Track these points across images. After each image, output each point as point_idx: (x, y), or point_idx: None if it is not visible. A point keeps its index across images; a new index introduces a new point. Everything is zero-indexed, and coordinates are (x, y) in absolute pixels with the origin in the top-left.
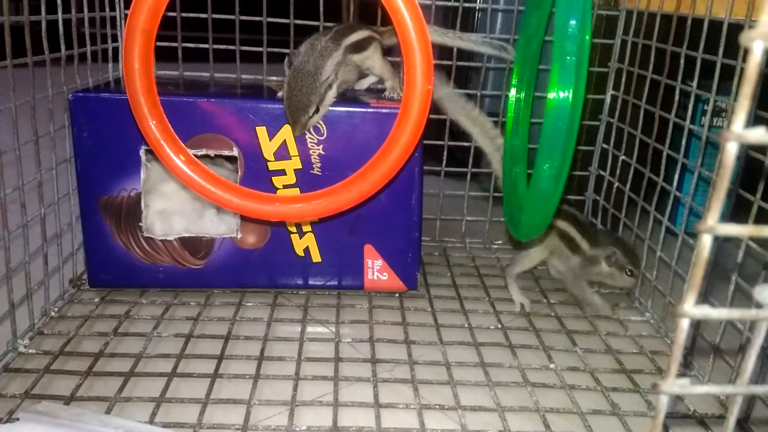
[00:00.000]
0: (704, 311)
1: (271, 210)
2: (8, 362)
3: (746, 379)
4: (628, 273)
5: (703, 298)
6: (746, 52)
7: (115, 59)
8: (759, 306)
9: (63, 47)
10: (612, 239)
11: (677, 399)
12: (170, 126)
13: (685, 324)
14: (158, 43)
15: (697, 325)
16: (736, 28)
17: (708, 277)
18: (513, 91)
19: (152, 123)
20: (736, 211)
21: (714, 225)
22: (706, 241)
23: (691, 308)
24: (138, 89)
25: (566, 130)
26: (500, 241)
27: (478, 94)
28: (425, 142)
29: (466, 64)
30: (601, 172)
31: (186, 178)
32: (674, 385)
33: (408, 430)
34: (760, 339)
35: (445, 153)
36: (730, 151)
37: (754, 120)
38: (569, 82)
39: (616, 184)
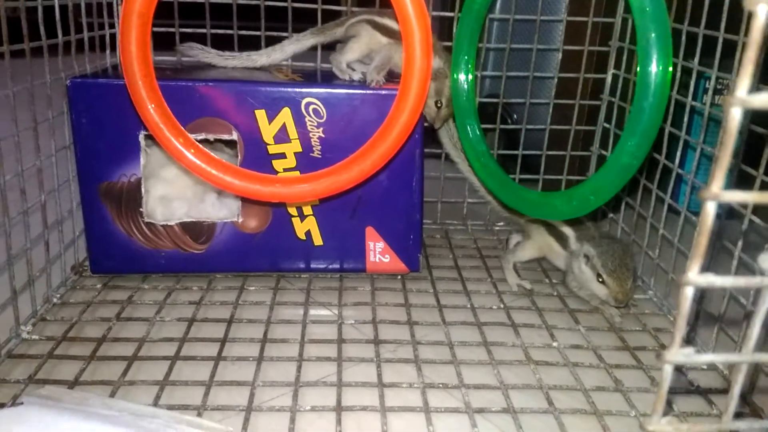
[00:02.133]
0: (709, 279)
1: (271, 191)
2: (11, 348)
3: (751, 347)
4: (599, 279)
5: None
6: (749, 21)
7: (113, 46)
8: (763, 274)
9: (60, 34)
10: (599, 239)
11: (680, 374)
12: (169, 110)
13: (689, 292)
14: (155, 29)
15: (700, 300)
16: (736, 4)
17: (711, 250)
18: (461, 75)
19: (151, 107)
20: (738, 187)
21: (718, 192)
22: (710, 209)
23: (696, 276)
24: (136, 73)
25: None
26: (501, 223)
27: (479, 75)
28: (426, 124)
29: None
30: (603, 152)
31: (186, 161)
32: (678, 354)
33: (412, 408)
34: (764, 307)
35: None
36: (734, 116)
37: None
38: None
39: None
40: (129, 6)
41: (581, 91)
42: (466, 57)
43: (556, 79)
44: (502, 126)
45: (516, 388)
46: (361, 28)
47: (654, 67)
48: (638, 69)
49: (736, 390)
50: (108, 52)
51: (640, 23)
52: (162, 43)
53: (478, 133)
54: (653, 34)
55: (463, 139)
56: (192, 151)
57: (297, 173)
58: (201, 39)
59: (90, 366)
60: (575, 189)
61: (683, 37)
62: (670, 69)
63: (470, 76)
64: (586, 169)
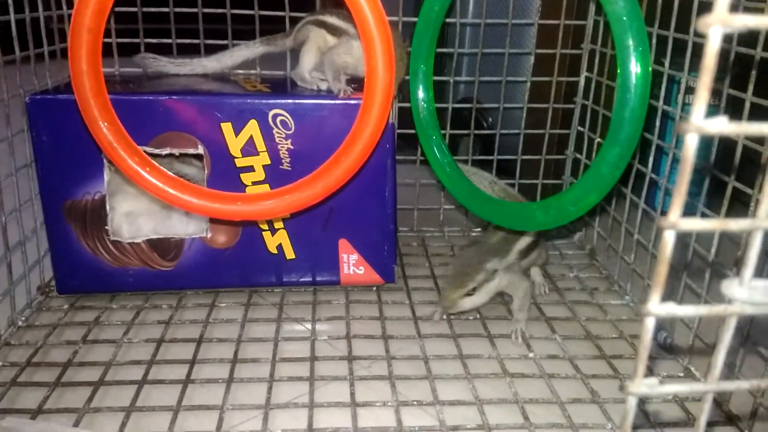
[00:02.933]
0: (670, 309)
1: (233, 209)
2: None
3: (717, 376)
4: None
5: (682, 287)
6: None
7: None
8: (729, 301)
9: (17, 49)
10: (468, 246)
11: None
12: (123, 127)
13: (650, 323)
14: (120, 40)
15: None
16: (706, 6)
17: (686, 268)
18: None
19: (103, 125)
20: (715, 192)
21: (676, 221)
22: (668, 238)
23: (656, 307)
24: (87, 91)
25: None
26: (479, 229)
27: (451, 80)
28: (399, 131)
29: (439, 50)
30: (578, 155)
31: (142, 181)
32: (642, 385)
33: (385, 428)
34: (729, 334)
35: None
36: (690, 144)
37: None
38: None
39: None
40: (78, 21)
41: (555, 94)
42: (424, 67)
43: (529, 83)
44: (477, 131)
45: (492, 403)
46: (308, 31)
47: (633, 79)
48: (618, 80)
49: (703, 420)
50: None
51: (617, 32)
52: (127, 51)
53: (442, 145)
54: (631, 44)
55: (427, 151)
56: (147, 170)
57: (266, 186)
58: (167, 47)
59: (55, 393)
60: (554, 199)
61: (654, 40)
62: (649, 79)
63: (429, 94)
64: (561, 173)
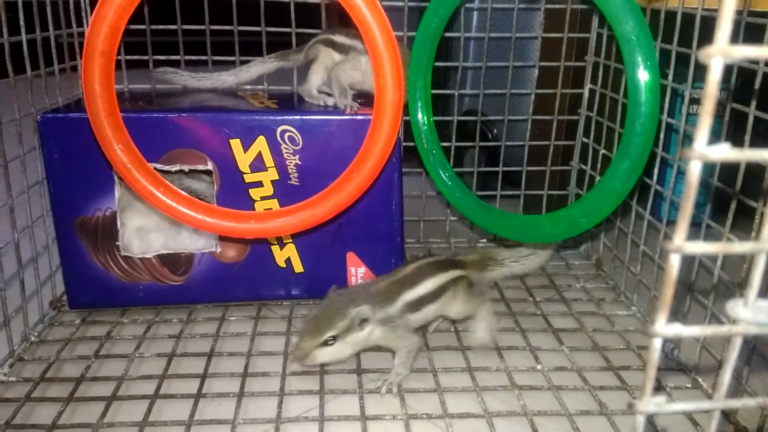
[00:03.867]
0: (676, 330)
1: (246, 227)
2: None
3: (723, 394)
4: None
5: (689, 302)
6: (700, 43)
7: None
8: (734, 321)
9: (29, 69)
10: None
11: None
12: (136, 147)
13: (657, 344)
14: (129, 57)
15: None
16: (710, 20)
17: (691, 287)
18: (419, 114)
19: (117, 147)
20: (720, 202)
21: (681, 244)
22: (674, 261)
23: (663, 328)
24: (101, 113)
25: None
26: (485, 240)
27: (456, 93)
28: (405, 144)
29: (443, 64)
30: (583, 166)
31: (156, 201)
32: (650, 404)
33: None
34: (734, 355)
35: None
36: (694, 170)
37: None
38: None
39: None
40: (91, 45)
41: (559, 106)
42: (422, 82)
43: (533, 96)
44: (482, 143)
45: (500, 416)
46: (317, 50)
47: (643, 94)
48: (628, 94)
49: None
50: (79, 73)
51: (627, 49)
52: (135, 65)
53: (443, 159)
54: (641, 60)
55: (428, 166)
56: (161, 190)
57: (275, 201)
58: (176, 61)
59: (68, 408)
60: (563, 211)
61: (656, 53)
62: (659, 93)
63: (428, 108)
64: (566, 183)
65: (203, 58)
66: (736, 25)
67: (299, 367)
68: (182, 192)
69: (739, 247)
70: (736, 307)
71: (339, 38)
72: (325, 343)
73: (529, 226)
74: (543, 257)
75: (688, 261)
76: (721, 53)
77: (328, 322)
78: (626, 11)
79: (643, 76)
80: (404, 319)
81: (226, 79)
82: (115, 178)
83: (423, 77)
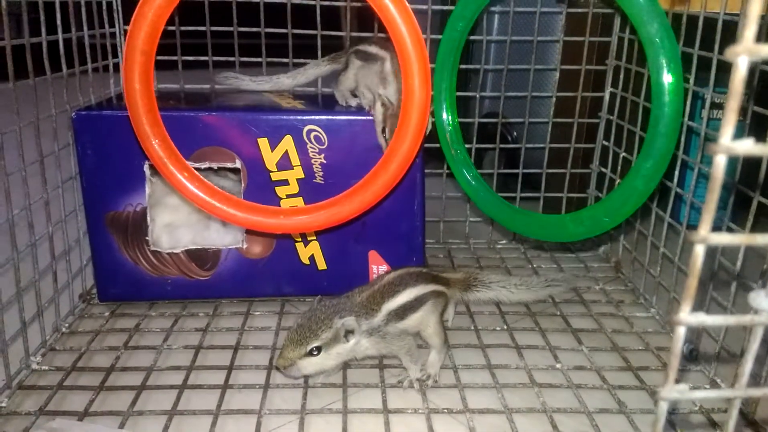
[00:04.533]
0: (700, 319)
1: (276, 223)
2: (22, 380)
3: (744, 383)
4: None
5: (708, 300)
6: (722, 47)
7: (117, 70)
8: (756, 311)
9: (65, 68)
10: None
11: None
12: (172, 143)
13: (681, 332)
14: (158, 57)
15: None
16: (731, 25)
17: (712, 279)
18: (444, 115)
19: (155, 142)
20: (741, 205)
21: (707, 235)
22: (699, 252)
23: (687, 316)
24: (140, 109)
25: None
26: (504, 241)
27: (477, 95)
28: (426, 145)
29: (464, 66)
30: (603, 169)
31: (190, 194)
32: (673, 390)
33: None
34: (756, 344)
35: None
36: (719, 163)
37: None
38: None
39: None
40: (132, 43)
41: (579, 109)
42: (447, 84)
43: (554, 98)
44: (502, 145)
45: (520, 412)
46: (350, 59)
47: (667, 95)
48: (652, 95)
49: (732, 424)
50: (111, 77)
51: (651, 51)
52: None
53: (467, 159)
54: (664, 62)
55: (453, 166)
56: (196, 184)
57: (300, 199)
58: (204, 62)
59: (99, 396)
60: (586, 210)
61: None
62: (682, 94)
63: (453, 110)
64: (586, 186)
65: (230, 59)
66: (759, 27)
67: (293, 376)
68: (215, 186)
69: (761, 239)
70: (757, 298)
71: (370, 48)
72: (310, 354)
73: (553, 225)
74: (535, 293)
75: (708, 257)
76: (747, 51)
77: (312, 333)
78: (651, 14)
79: (667, 78)
80: (392, 327)
81: (284, 81)
82: (146, 174)
83: (448, 79)
